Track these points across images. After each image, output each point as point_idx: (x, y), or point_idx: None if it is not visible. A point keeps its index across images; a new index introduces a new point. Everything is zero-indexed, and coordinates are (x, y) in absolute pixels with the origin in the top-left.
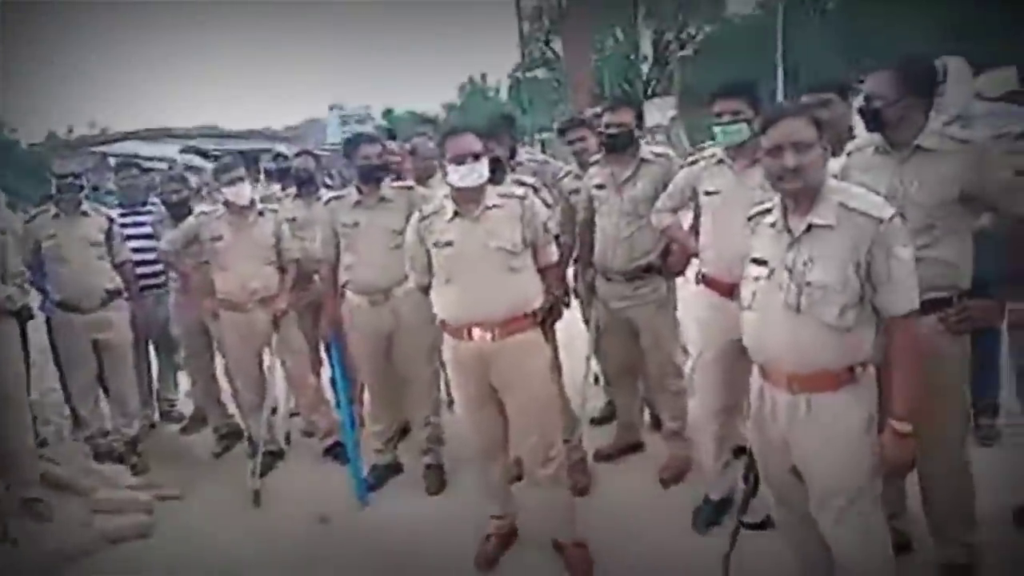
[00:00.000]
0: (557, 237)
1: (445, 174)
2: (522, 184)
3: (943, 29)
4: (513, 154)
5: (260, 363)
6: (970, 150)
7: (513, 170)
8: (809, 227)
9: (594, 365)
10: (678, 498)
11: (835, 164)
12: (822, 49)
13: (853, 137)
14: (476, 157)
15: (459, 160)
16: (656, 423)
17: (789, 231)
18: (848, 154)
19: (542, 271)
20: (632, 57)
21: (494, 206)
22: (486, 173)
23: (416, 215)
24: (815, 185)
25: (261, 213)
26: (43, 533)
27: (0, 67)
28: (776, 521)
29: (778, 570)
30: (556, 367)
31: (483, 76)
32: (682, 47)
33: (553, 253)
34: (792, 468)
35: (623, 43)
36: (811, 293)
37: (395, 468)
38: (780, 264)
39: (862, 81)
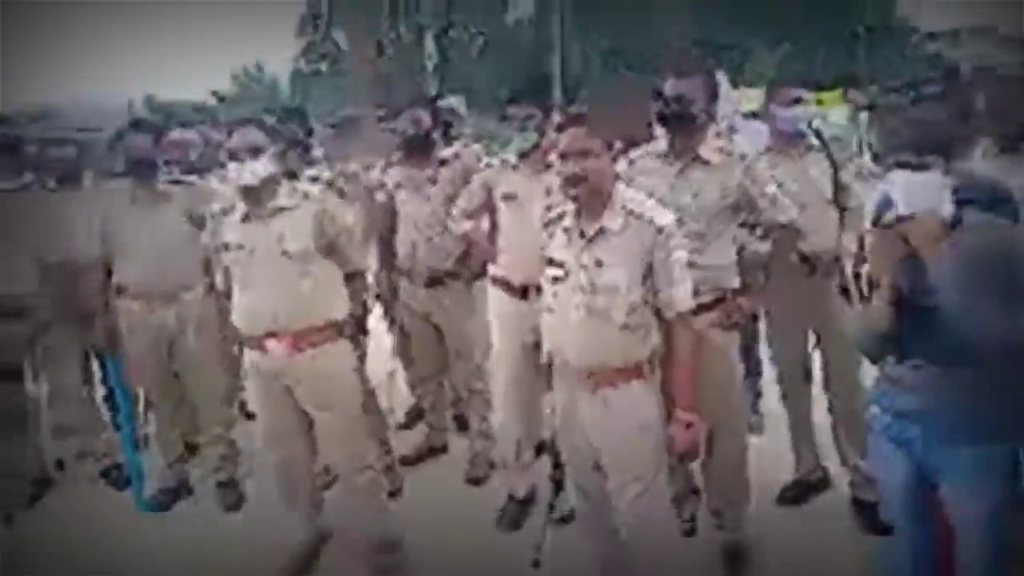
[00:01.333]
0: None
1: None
2: (316, 180)
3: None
4: (307, 149)
5: (21, 380)
6: (739, 163)
7: (310, 164)
8: (600, 231)
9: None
10: (485, 498)
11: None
12: (597, 57)
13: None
14: (256, 152)
15: (236, 155)
16: (461, 424)
17: (582, 234)
18: (631, 161)
19: (348, 277)
20: (420, 56)
21: (286, 207)
22: (263, 171)
23: (208, 212)
24: (602, 191)
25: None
26: None
27: None
28: (578, 513)
29: (582, 561)
30: (362, 376)
31: (259, 66)
32: (470, 44)
33: (358, 259)
34: (595, 466)
35: (407, 41)
36: (603, 293)
37: (184, 488)
38: (576, 266)
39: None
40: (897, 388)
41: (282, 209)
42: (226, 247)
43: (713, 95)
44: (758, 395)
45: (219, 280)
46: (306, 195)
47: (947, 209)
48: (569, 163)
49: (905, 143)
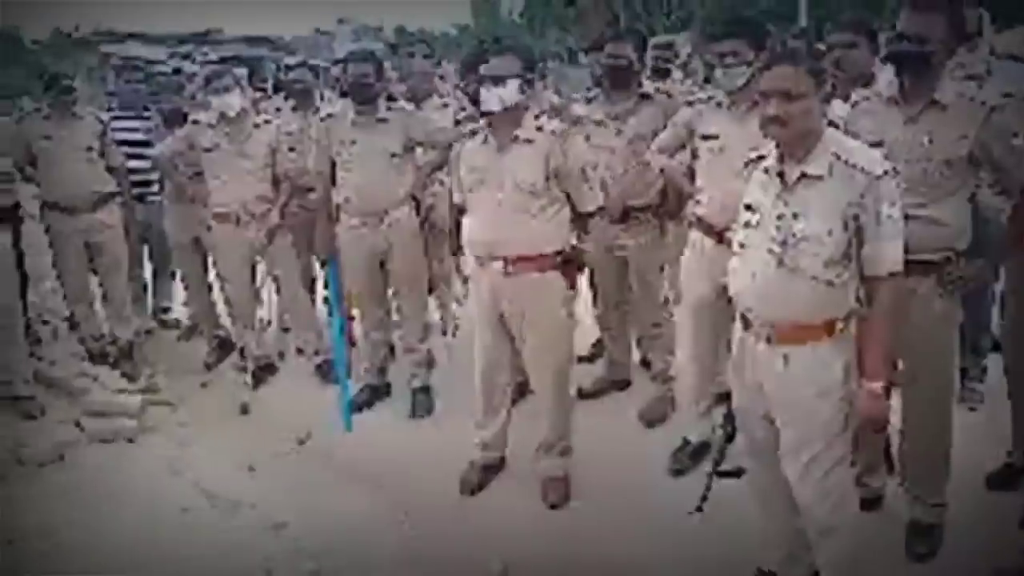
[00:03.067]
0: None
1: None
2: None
3: None
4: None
5: (252, 277)
6: (982, 110)
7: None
8: (801, 176)
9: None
10: (659, 439)
11: (841, 110)
12: None
13: (869, 83)
14: (500, 80)
15: (487, 80)
16: (645, 364)
17: (782, 179)
18: (854, 104)
19: (579, 216)
20: None
21: (525, 139)
22: (510, 98)
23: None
24: (804, 136)
25: (257, 125)
26: (32, 430)
27: None
28: (747, 470)
29: (746, 520)
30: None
31: None
32: None
33: (589, 200)
34: (766, 417)
35: None
36: (797, 243)
37: (384, 390)
38: (770, 212)
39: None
40: None
41: (520, 140)
42: (466, 171)
43: (958, 33)
44: (983, 369)
45: (456, 198)
46: (544, 128)
47: None
48: (772, 104)
49: None
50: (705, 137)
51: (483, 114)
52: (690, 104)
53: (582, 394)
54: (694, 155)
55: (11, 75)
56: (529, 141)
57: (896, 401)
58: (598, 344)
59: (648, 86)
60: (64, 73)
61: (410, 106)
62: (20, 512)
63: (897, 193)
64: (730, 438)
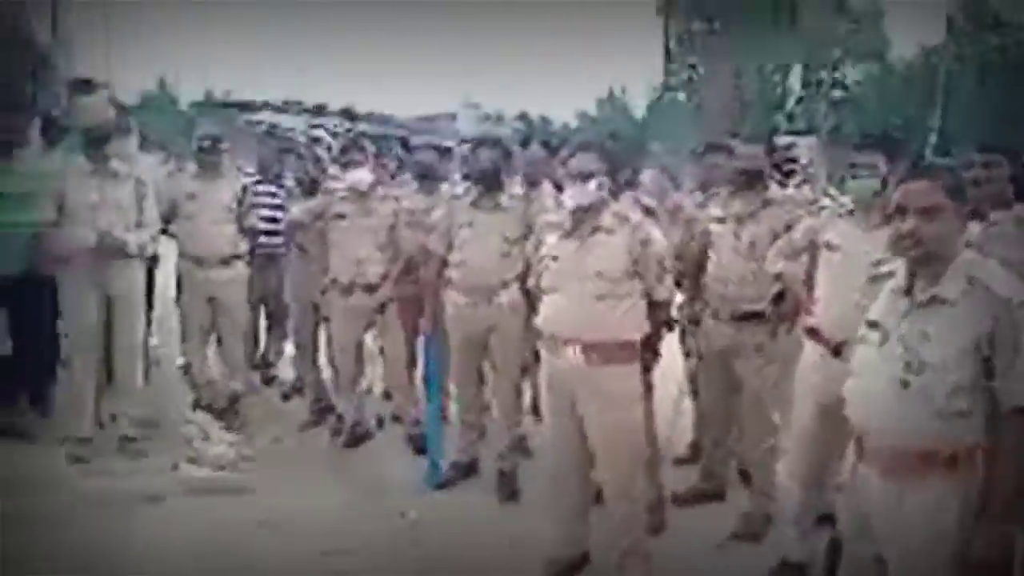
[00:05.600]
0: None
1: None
2: (642, 207)
3: None
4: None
5: (361, 344)
6: None
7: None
8: (932, 298)
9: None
10: (750, 556)
11: (976, 230)
12: (983, 107)
13: (1010, 204)
14: (588, 177)
15: (570, 177)
16: (744, 476)
17: (910, 299)
18: (991, 224)
19: (652, 305)
20: (779, 91)
21: (605, 229)
22: (591, 196)
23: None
24: (940, 255)
25: (382, 199)
26: (131, 471)
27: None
28: None
29: None
30: (648, 404)
31: (623, 89)
32: (834, 86)
33: (664, 289)
34: (877, 555)
35: (771, 76)
36: (923, 368)
37: (471, 468)
38: (895, 333)
39: None
40: None
41: (600, 230)
42: (550, 258)
43: None
44: None
45: (532, 284)
46: (626, 219)
47: None
48: (908, 220)
49: None
50: (828, 246)
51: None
52: (815, 212)
53: (676, 499)
54: (814, 263)
55: (164, 132)
56: (610, 231)
57: None
58: (695, 446)
59: (775, 190)
60: (215, 135)
61: (533, 192)
62: (112, 551)
63: None
64: (834, 566)
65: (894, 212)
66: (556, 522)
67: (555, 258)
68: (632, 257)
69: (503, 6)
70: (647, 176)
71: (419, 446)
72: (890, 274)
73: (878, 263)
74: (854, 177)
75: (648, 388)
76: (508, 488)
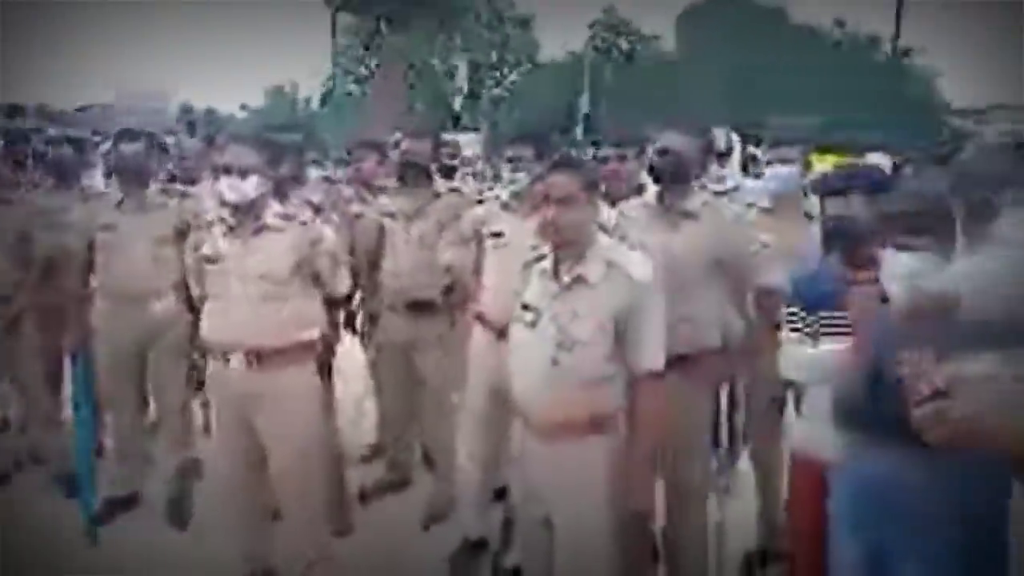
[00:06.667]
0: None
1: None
2: (310, 204)
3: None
4: (302, 169)
5: None
6: (725, 219)
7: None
8: (575, 280)
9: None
10: (439, 538)
11: (612, 216)
12: (625, 103)
13: (642, 192)
14: (246, 172)
15: (228, 171)
16: (428, 461)
17: (557, 281)
18: (622, 212)
19: (328, 303)
20: (447, 88)
21: (271, 227)
22: (252, 191)
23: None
24: (579, 241)
25: (7, 201)
26: None
27: None
28: (523, 566)
29: None
30: (327, 405)
31: (295, 85)
32: (496, 85)
33: (339, 286)
34: (544, 515)
35: (439, 72)
36: (572, 345)
37: (131, 500)
38: (547, 313)
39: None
40: (858, 462)
41: (267, 228)
42: (206, 260)
43: (706, 150)
44: (735, 457)
45: (194, 290)
46: (293, 217)
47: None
48: (550, 209)
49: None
50: (492, 235)
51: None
52: (479, 202)
53: (363, 495)
54: (482, 253)
55: None
56: (276, 230)
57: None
58: (378, 443)
59: (440, 184)
60: None
61: (193, 188)
62: None
63: (659, 297)
64: (509, 536)
65: (539, 202)
66: (234, 540)
67: (214, 260)
68: (300, 256)
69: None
70: (315, 172)
71: (69, 487)
72: (540, 259)
73: (533, 249)
74: (512, 170)
75: (328, 389)
76: (178, 514)
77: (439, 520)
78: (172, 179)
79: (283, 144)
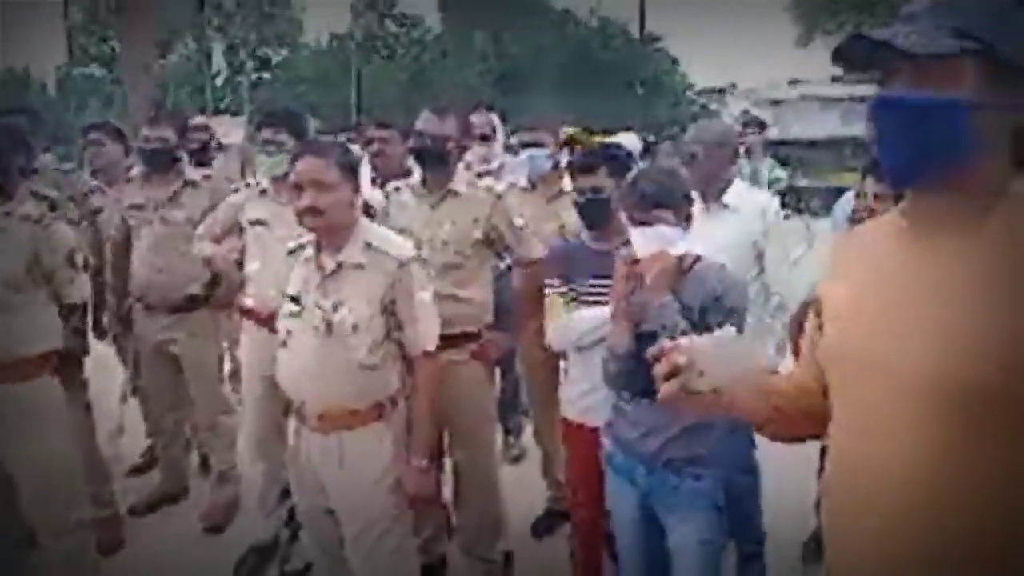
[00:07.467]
0: (87, 267)
1: None
2: (43, 198)
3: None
4: (29, 161)
5: None
6: (490, 197)
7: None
8: (339, 265)
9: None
10: (223, 547)
11: (379, 199)
12: (393, 87)
13: (407, 174)
14: None
15: None
16: (205, 464)
17: (321, 268)
18: (387, 194)
19: (65, 309)
20: (203, 68)
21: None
22: None
23: None
24: (339, 226)
25: None
26: None
27: None
28: (314, 564)
29: None
30: (79, 422)
31: (26, 69)
32: (259, 68)
33: (78, 290)
34: (328, 510)
35: (193, 52)
36: (340, 332)
37: None
38: (312, 301)
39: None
40: (624, 421)
41: None
42: None
43: (465, 131)
44: (520, 426)
45: None
46: (22, 217)
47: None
48: (305, 195)
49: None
50: (252, 223)
51: None
52: (236, 190)
53: (134, 512)
54: (242, 244)
55: None
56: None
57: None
58: (148, 453)
59: (192, 172)
60: None
61: None
62: None
63: (426, 276)
64: (295, 535)
65: (294, 187)
66: None
67: None
68: (29, 260)
69: None
70: (44, 161)
71: None
72: (302, 247)
73: (298, 236)
74: (266, 154)
75: (85, 406)
76: None
77: (223, 527)
78: None
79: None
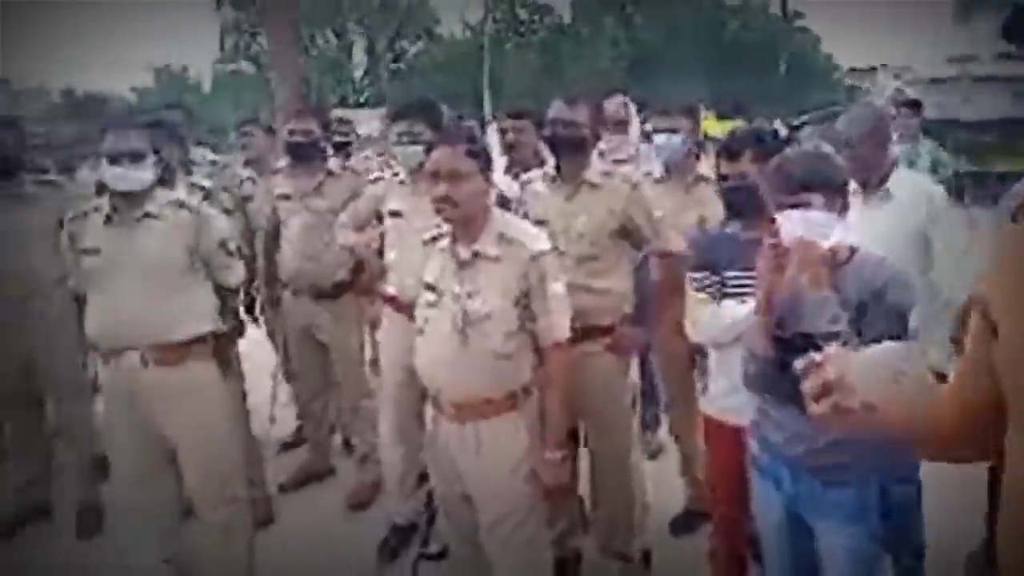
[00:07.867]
0: (241, 254)
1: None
2: (199, 188)
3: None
4: (187, 153)
5: None
6: (626, 187)
7: (188, 172)
8: (474, 255)
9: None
10: (367, 525)
11: (514, 189)
12: (525, 75)
13: (542, 164)
14: (137, 157)
15: (116, 160)
16: (347, 444)
17: (456, 258)
18: (523, 184)
19: (220, 292)
20: (346, 63)
21: (154, 215)
22: (147, 178)
23: (68, 214)
24: (473, 215)
25: None
26: None
27: None
28: (451, 550)
29: None
30: (233, 396)
31: (184, 66)
32: (395, 59)
33: (233, 274)
34: (464, 496)
35: (334, 47)
36: (476, 322)
37: (41, 510)
38: (449, 291)
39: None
40: (769, 423)
41: (150, 216)
42: (84, 252)
43: (599, 119)
44: (657, 421)
45: (73, 286)
46: (180, 204)
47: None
48: (441, 185)
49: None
50: (391, 214)
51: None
52: (374, 181)
53: (283, 489)
54: (384, 232)
55: None
56: (161, 219)
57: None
58: (297, 432)
59: (333, 163)
60: None
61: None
62: None
63: (558, 267)
64: (432, 519)
65: (431, 177)
66: (139, 550)
67: (98, 252)
68: (188, 246)
69: None
70: (198, 154)
71: None
72: (439, 236)
73: (435, 227)
74: (401, 144)
75: (233, 380)
76: (88, 522)
77: (366, 506)
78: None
79: (162, 125)
